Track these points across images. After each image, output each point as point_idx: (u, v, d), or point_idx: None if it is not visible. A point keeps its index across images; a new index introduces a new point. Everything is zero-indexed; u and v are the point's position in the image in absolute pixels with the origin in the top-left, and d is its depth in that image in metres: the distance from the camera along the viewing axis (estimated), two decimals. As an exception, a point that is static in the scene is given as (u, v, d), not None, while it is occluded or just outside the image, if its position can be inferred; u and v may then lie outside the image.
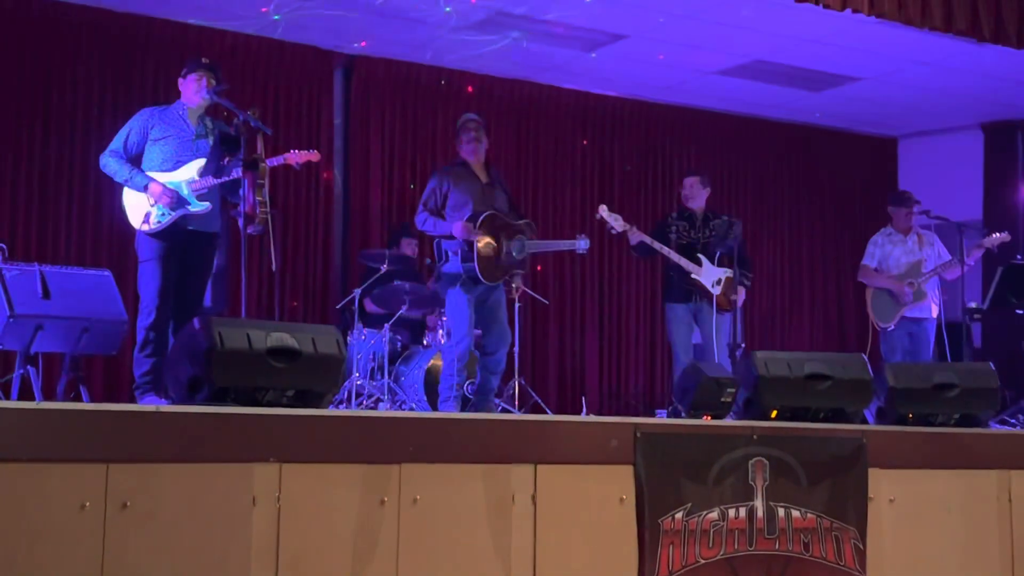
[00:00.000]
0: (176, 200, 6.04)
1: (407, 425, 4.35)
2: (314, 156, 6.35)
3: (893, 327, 8.34)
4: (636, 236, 7.63)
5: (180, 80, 6.25)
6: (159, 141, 6.15)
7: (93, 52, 8.59)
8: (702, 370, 5.58)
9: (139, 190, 6.06)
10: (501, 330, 6.92)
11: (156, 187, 6.03)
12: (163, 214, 6.04)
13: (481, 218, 6.73)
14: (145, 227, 6.07)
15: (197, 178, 6.08)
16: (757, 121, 11.34)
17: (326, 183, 9.41)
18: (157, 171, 6.10)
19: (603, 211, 7.50)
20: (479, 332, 7.10)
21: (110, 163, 6.16)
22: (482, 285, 6.77)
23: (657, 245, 7.70)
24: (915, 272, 8.35)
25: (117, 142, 6.19)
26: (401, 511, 4.13)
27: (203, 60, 6.28)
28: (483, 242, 6.71)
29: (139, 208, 6.08)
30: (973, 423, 5.67)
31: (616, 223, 7.51)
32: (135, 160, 6.15)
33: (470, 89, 10.04)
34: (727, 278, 7.72)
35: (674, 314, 7.88)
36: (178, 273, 6.10)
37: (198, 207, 6.08)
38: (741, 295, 7.75)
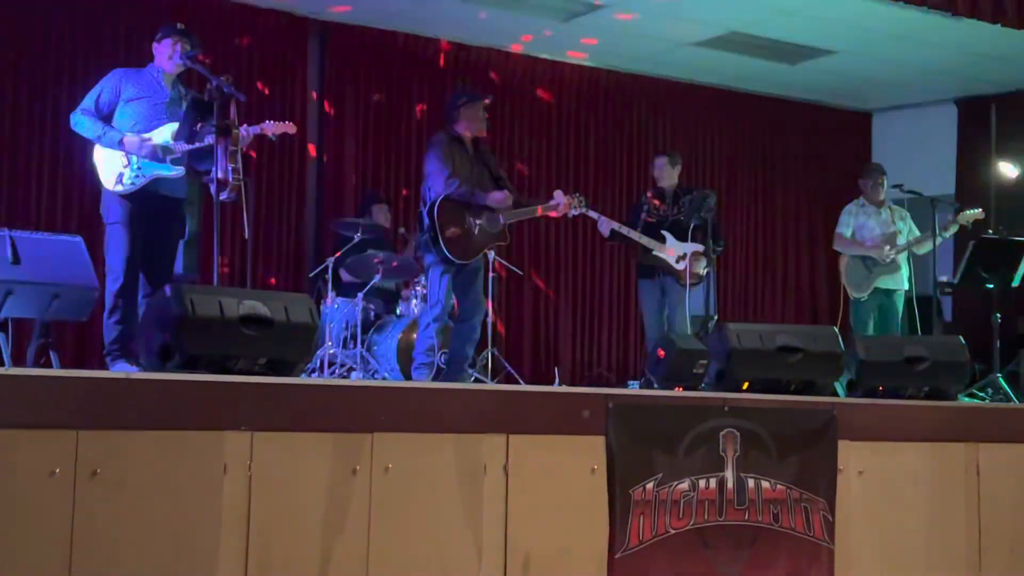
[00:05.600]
0: (153, 152, 5.96)
1: (379, 394, 4.35)
2: (290, 128, 6.26)
3: (866, 297, 8.37)
4: (605, 226, 7.75)
5: (154, 44, 6.14)
6: (132, 102, 6.03)
7: (65, 14, 8.48)
8: (674, 342, 5.61)
9: (114, 146, 5.94)
10: (476, 297, 6.92)
11: (133, 139, 5.92)
12: (136, 176, 5.95)
13: (437, 204, 6.68)
14: (119, 188, 5.95)
15: (171, 141, 6.00)
16: (731, 93, 11.33)
17: (300, 150, 9.35)
18: (129, 133, 6.02)
19: (558, 195, 7.17)
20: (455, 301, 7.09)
21: (82, 120, 6.03)
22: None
23: (624, 230, 7.83)
24: (890, 242, 8.37)
25: (88, 101, 6.07)
26: (373, 480, 4.14)
27: (178, 25, 6.17)
28: (449, 229, 6.67)
29: (112, 168, 5.97)
30: (942, 396, 5.71)
31: (582, 211, 7.34)
32: (106, 120, 6.02)
33: (444, 57, 9.98)
34: (695, 252, 7.77)
35: (643, 289, 8.23)
36: (147, 239, 6.01)
37: (172, 170, 6.00)
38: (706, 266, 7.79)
